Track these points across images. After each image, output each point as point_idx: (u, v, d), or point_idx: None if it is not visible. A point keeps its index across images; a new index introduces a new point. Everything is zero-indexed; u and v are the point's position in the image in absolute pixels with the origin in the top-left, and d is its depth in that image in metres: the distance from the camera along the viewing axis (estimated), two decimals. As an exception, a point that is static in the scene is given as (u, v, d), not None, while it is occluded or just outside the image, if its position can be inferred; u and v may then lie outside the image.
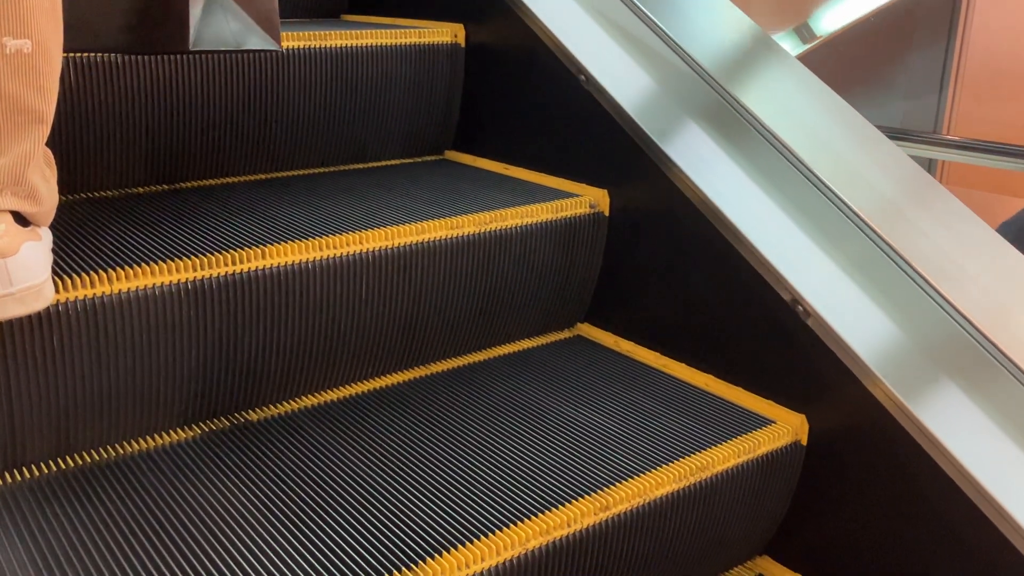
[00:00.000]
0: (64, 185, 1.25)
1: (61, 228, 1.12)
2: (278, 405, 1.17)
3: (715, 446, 1.11)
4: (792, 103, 1.38)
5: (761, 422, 1.17)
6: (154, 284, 1.03)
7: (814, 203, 1.24)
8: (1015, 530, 0.96)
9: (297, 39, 1.41)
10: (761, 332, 1.21)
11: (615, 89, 1.36)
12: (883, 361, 1.08)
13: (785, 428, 1.16)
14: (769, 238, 1.20)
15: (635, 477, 1.04)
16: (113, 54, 1.24)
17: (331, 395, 1.21)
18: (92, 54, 1.23)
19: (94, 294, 0.99)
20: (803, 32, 3.33)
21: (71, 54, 1.22)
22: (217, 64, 1.34)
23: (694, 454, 1.09)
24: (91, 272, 1.00)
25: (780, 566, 1.21)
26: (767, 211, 1.24)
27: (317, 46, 1.43)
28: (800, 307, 1.14)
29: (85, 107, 1.25)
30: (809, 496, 1.18)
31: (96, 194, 1.31)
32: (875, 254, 1.19)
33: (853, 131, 1.34)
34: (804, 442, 1.17)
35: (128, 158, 1.31)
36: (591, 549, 0.99)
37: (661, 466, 1.06)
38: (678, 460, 1.08)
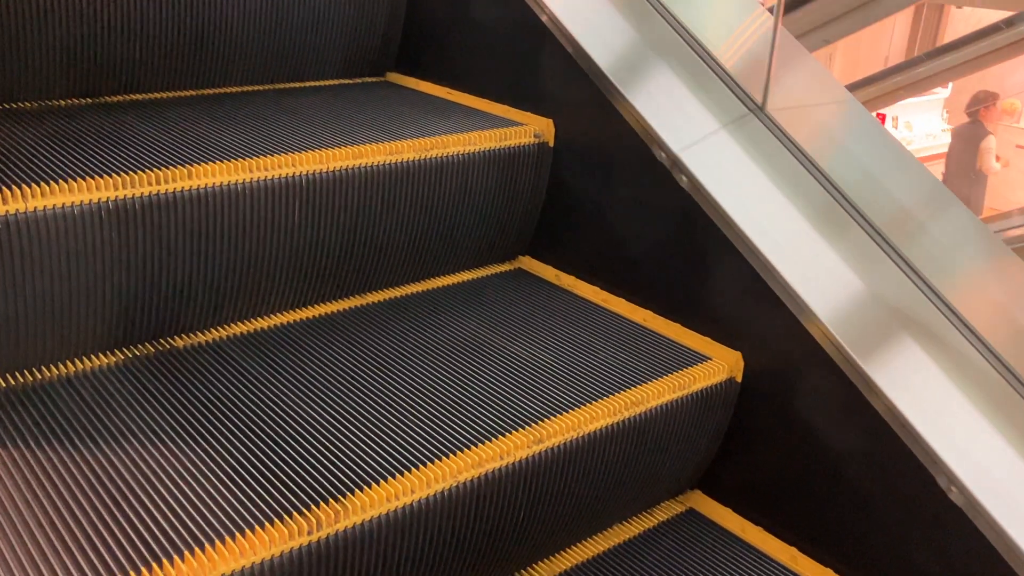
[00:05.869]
0: (-24, 94, 1.18)
1: (-28, 140, 1.06)
2: (206, 332, 1.14)
3: (650, 381, 1.11)
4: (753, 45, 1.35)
5: (697, 358, 1.17)
6: (73, 202, 0.98)
7: (771, 148, 1.23)
8: (942, 471, 0.97)
9: (231, -53, 1.33)
10: (699, 269, 1.20)
11: (567, 17, 1.32)
12: (820, 299, 1.08)
13: (720, 365, 1.16)
14: (718, 178, 1.18)
15: (569, 411, 1.03)
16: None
17: (262, 323, 1.17)
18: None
19: (7, 211, 0.94)
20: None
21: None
22: (144, -30, 1.26)
23: (629, 389, 1.09)
24: (4, 187, 0.94)
25: (711, 500, 1.22)
26: (723, 153, 1.22)
27: (252, -44, 1.35)
28: (740, 242, 1.13)
29: (0, 11, 1.17)
30: (742, 432, 1.19)
31: (11, 105, 1.23)
32: (828, 200, 1.18)
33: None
34: (739, 379, 1.17)
35: (48, 68, 1.23)
36: (524, 482, 0.98)
37: (596, 400, 1.06)
38: (613, 395, 1.07)
